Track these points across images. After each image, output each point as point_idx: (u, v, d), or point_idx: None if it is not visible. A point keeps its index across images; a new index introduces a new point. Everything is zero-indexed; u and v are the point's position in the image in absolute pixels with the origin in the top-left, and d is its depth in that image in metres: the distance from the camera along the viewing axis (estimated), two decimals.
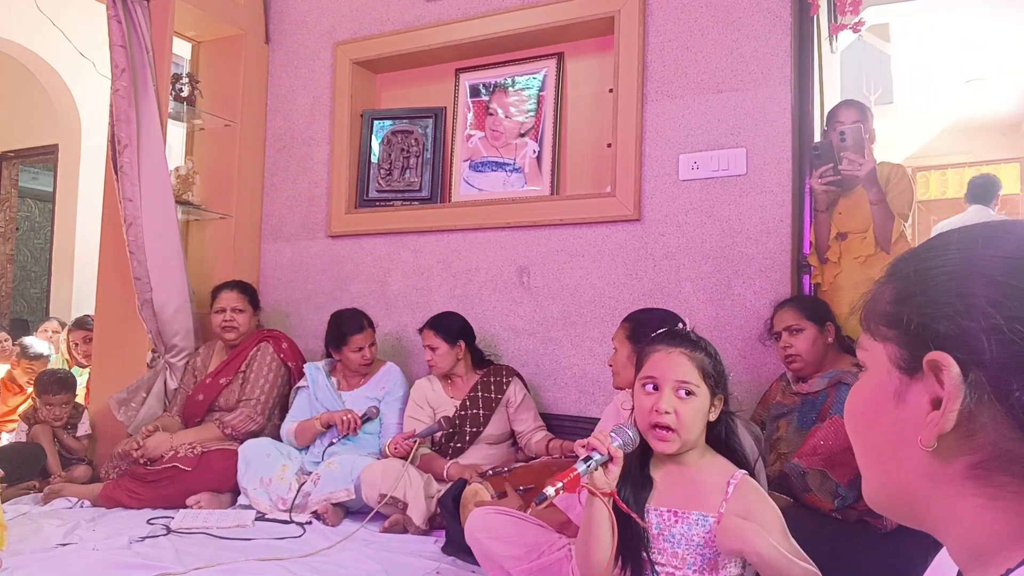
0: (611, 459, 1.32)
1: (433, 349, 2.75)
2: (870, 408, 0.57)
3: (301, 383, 2.99)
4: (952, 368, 0.49)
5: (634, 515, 1.36)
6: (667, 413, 1.38)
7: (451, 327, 2.77)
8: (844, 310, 2.33)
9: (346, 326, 2.90)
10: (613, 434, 1.35)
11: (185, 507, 2.65)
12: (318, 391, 2.91)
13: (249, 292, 3.16)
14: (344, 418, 2.75)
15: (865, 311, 0.58)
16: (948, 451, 0.51)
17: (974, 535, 0.51)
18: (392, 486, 2.47)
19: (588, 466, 1.30)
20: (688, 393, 1.39)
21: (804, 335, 2.17)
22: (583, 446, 1.34)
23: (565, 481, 1.26)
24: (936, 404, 0.51)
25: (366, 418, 2.81)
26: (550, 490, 1.24)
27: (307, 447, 2.87)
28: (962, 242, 0.53)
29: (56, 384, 3.16)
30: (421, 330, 2.81)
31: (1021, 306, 0.47)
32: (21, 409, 3.59)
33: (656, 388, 1.41)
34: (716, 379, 1.42)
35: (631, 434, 1.37)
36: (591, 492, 1.33)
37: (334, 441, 2.78)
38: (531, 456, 2.71)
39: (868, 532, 1.88)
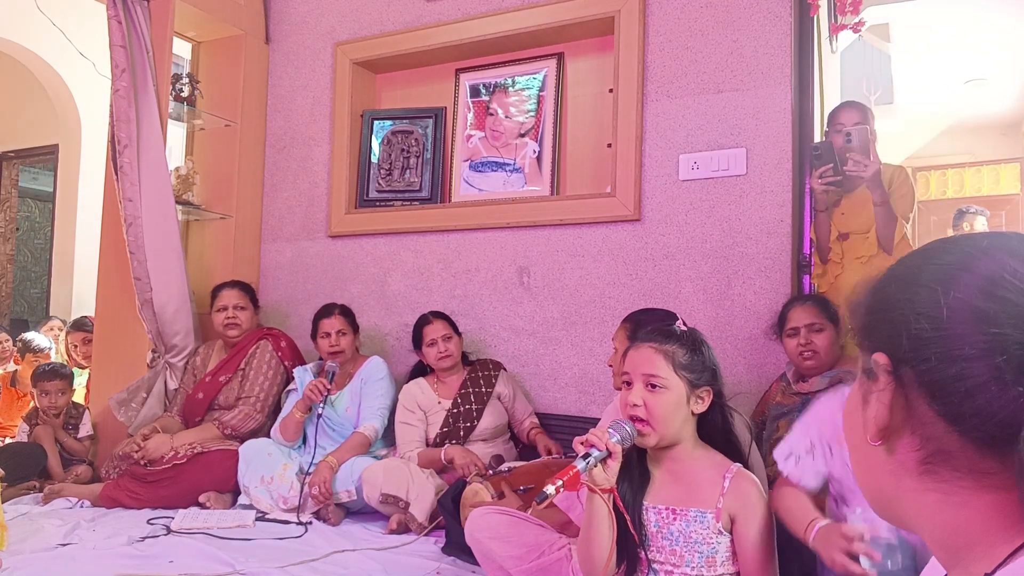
0: (610, 455, 1.33)
1: (448, 339, 2.77)
2: (850, 415, 0.62)
3: (291, 386, 2.99)
4: (881, 364, 0.54)
5: (627, 516, 1.37)
6: (636, 405, 1.40)
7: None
8: (845, 310, 2.33)
9: (318, 313, 2.95)
10: (611, 430, 1.35)
11: (185, 507, 2.65)
12: None
13: (249, 291, 3.18)
14: (310, 389, 2.71)
15: (852, 326, 0.64)
16: (898, 448, 0.55)
17: (942, 532, 0.53)
18: (395, 485, 2.48)
19: (587, 463, 1.30)
20: (655, 386, 1.40)
21: (825, 334, 2.18)
22: (582, 443, 1.34)
23: (565, 479, 1.26)
24: None
25: (331, 376, 2.77)
26: (550, 488, 1.24)
27: (301, 444, 2.86)
28: (911, 256, 0.59)
29: (51, 372, 3.18)
30: (422, 329, 2.80)
31: (934, 307, 0.52)
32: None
33: (631, 383, 1.43)
34: (694, 372, 1.42)
35: (629, 429, 1.37)
36: (591, 489, 1.33)
37: (320, 413, 2.75)
38: (524, 441, 2.82)
39: None
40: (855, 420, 0.60)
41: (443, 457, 2.60)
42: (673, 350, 1.42)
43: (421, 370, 2.90)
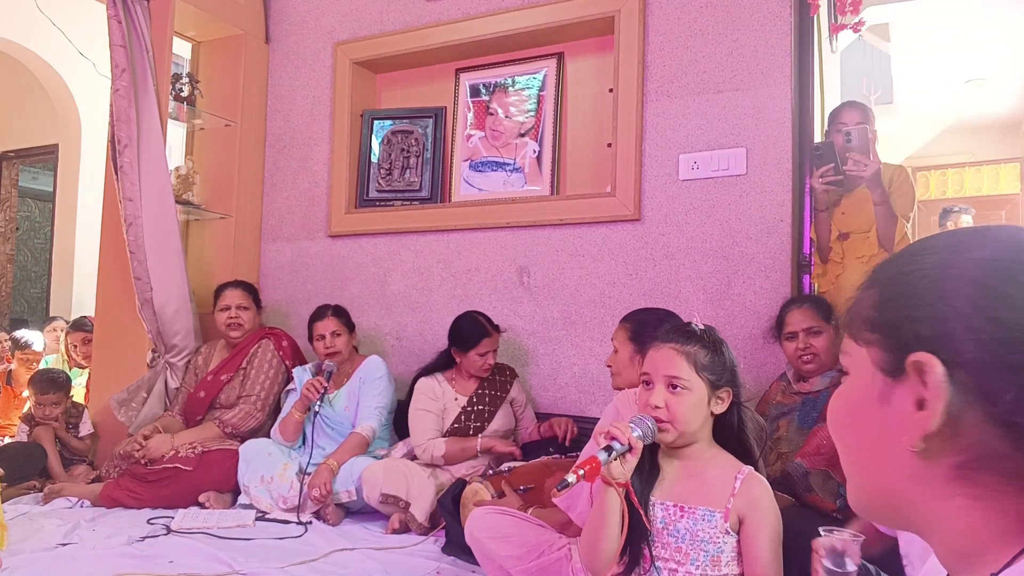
0: (630, 449, 1.32)
1: (495, 352, 2.74)
2: (854, 412, 0.58)
3: (290, 386, 2.98)
4: (936, 368, 0.50)
5: (642, 512, 1.36)
6: (658, 407, 1.39)
7: None
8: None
9: (312, 316, 2.95)
10: (633, 424, 1.34)
11: (185, 507, 2.65)
12: None
13: (252, 291, 3.18)
14: (307, 388, 2.73)
15: (848, 316, 0.59)
16: (933, 452, 0.51)
17: (958, 536, 0.52)
18: (395, 485, 2.48)
19: (610, 456, 1.29)
20: (677, 388, 1.39)
21: (824, 337, 2.18)
22: (603, 434, 1.33)
23: (587, 469, 1.26)
24: (921, 405, 0.51)
25: (328, 375, 2.78)
26: (572, 477, 1.24)
27: (300, 443, 2.86)
28: (939, 247, 0.54)
29: (47, 383, 3.15)
30: (481, 339, 2.68)
31: (999, 305, 0.49)
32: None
33: (651, 384, 1.42)
34: (716, 372, 1.42)
35: (650, 425, 1.36)
36: (605, 482, 1.33)
37: (317, 411, 2.77)
38: (533, 439, 2.81)
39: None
40: (865, 419, 0.56)
41: (480, 447, 2.61)
42: (695, 351, 1.41)
43: (440, 365, 2.83)
